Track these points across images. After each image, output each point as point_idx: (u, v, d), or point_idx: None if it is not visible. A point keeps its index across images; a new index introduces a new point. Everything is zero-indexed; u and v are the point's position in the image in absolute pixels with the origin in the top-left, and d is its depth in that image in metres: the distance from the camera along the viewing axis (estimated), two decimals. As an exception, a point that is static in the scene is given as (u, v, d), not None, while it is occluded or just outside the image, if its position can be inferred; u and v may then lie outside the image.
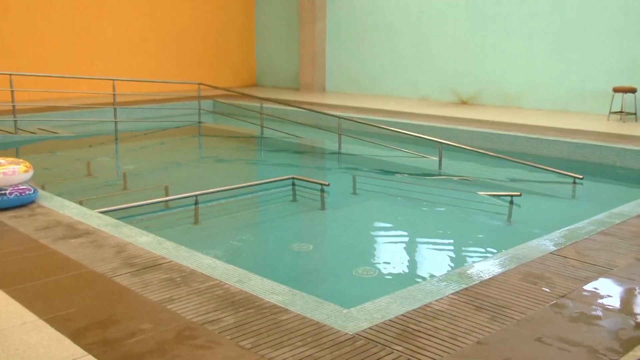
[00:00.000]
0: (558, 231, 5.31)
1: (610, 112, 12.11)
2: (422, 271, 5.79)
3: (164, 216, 7.32)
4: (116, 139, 12.59)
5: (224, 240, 6.43)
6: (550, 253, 4.72)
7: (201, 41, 18.98)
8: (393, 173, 9.74)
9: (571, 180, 8.49)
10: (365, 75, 17.40)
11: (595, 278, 4.21)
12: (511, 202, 7.56)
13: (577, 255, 4.68)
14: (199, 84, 13.91)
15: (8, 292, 3.89)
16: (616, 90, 11.83)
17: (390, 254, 6.20)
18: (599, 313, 3.65)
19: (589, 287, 4.05)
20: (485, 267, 4.41)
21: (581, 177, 8.48)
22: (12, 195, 5.82)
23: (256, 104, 13.34)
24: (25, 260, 4.50)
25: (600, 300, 3.84)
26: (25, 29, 15.48)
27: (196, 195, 7.34)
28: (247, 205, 8.08)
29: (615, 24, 12.53)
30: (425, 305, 3.73)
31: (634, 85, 12.01)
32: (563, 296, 3.89)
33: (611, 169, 9.44)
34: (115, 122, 12.69)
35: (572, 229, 5.36)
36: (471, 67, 14.95)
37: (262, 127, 12.66)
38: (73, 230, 5.21)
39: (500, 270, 4.34)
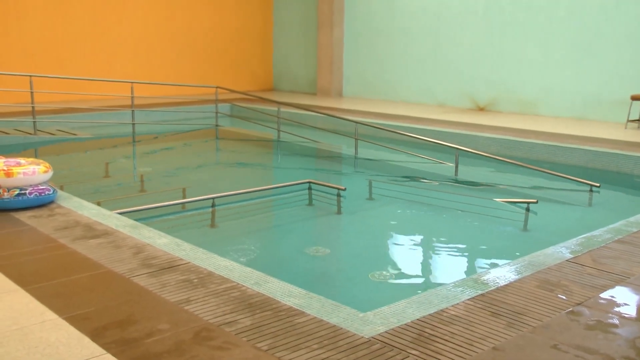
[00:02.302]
0: (574, 239, 5.30)
1: (628, 120, 12.04)
2: (438, 276, 5.80)
3: (181, 218, 7.37)
4: (134, 141, 12.68)
5: (240, 243, 6.46)
6: (567, 260, 4.71)
7: (219, 45, 19.07)
8: (409, 178, 9.75)
9: (588, 188, 8.46)
10: (382, 80, 17.41)
11: (612, 286, 4.20)
12: (527, 209, 7.54)
13: (594, 263, 4.67)
14: (217, 87, 13.98)
15: (28, 291, 3.94)
16: (634, 98, 11.77)
17: (406, 259, 6.21)
18: (616, 321, 3.65)
19: (605, 295, 4.05)
20: (501, 273, 4.41)
21: (598, 185, 8.44)
22: (32, 195, 5.88)
23: (273, 108, 13.38)
24: (44, 260, 4.55)
25: (617, 309, 3.83)
26: (44, 31, 15.63)
27: (213, 198, 7.38)
28: (263, 209, 8.11)
29: (634, 31, 12.47)
30: (441, 310, 3.74)
31: (652, 94, 11.96)
32: (579, 304, 3.88)
33: (628, 178, 9.39)
34: (133, 124, 12.78)
35: (589, 237, 5.35)
36: (488, 74, 14.92)
37: (279, 131, 12.70)
38: (91, 231, 5.26)
39: (516, 276, 4.34)
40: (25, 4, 15.27)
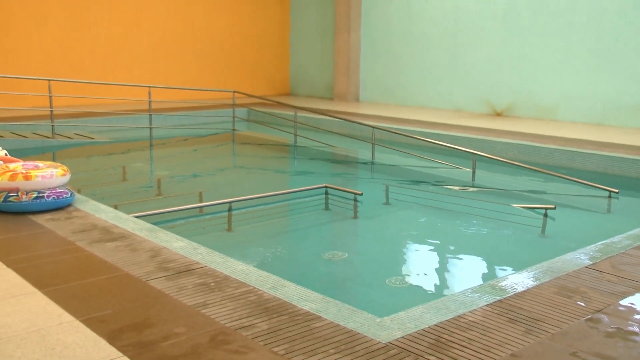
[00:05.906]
0: (593, 245, 5.25)
1: (648, 126, 11.96)
2: (455, 282, 5.76)
3: (198, 222, 7.38)
4: (151, 145, 12.73)
5: (257, 247, 6.46)
6: (586, 267, 4.66)
7: (237, 50, 19.12)
8: (426, 183, 9.72)
9: (606, 194, 8.39)
10: (399, 85, 17.38)
11: (631, 293, 4.15)
12: (545, 215, 7.49)
13: (613, 269, 4.63)
14: (234, 92, 14.02)
15: (46, 293, 3.96)
16: (654, 104, 11.67)
17: (423, 265, 6.18)
18: (636, 329, 3.60)
19: (625, 302, 4.00)
20: (519, 279, 4.38)
21: (617, 191, 8.36)
22: (50, 198, 5.92)
23: (290, 113, 13.39)
24: (62, 262, 4.57)
25: (636, 316, 3.78)
26: (64, 36, 15.75)
27: (230, 202, 7.39)
28: (280, 213, 8.11)
29: (654, 37, 12.38)
30: (458, 316, 3.71)
31: (672, 100, 11.85)
32: (599, 311, 3.84)
33: (648, 184, 9.32)
34: (151, 128, 12.84)
35: (608, 243, 5.30)
36: (506, 79, 14.85)
37: (295, 135, 12.70)
38: (108, 234, 5.28)
39: (534, 283, 4.30)
40: (44, 9, 15.39)
